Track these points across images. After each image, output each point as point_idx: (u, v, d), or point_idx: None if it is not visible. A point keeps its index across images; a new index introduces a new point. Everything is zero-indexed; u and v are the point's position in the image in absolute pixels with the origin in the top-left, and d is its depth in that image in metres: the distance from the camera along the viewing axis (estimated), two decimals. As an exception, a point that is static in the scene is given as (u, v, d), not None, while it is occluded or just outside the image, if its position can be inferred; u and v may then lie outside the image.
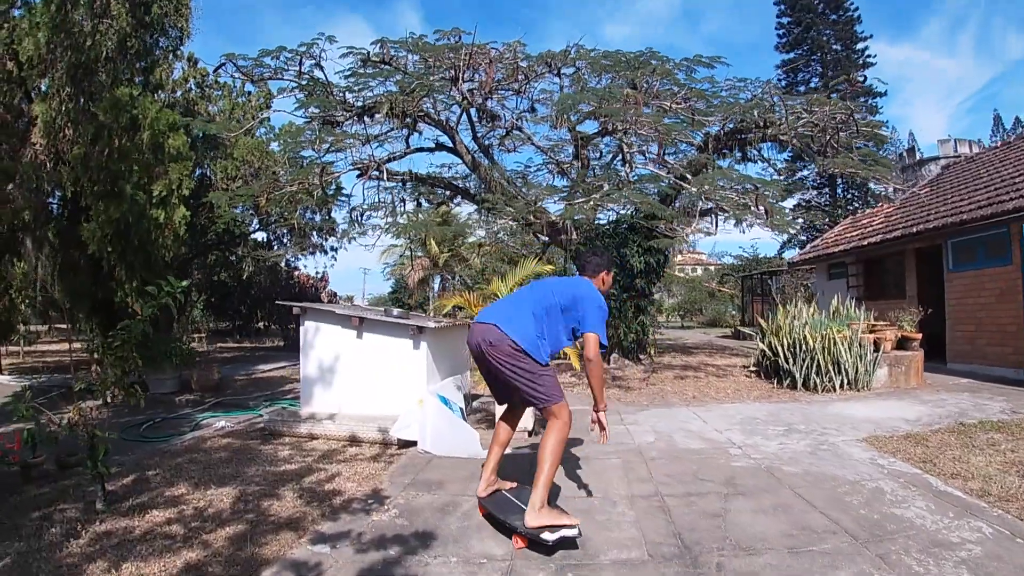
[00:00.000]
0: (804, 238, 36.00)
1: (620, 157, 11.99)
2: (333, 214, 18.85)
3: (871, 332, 10.07)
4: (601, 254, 4.59)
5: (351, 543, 3.72)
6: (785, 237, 37.17)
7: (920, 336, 10.56)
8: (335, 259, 27.25)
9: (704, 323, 36.20)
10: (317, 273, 27.99)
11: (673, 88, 11.00)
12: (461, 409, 6.68)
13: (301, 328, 6.85)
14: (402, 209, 13.63)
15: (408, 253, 32.23)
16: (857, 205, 31.69)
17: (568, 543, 3.56)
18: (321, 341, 6.77)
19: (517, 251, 19.52)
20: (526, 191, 12.84)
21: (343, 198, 15.05)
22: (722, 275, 40.72)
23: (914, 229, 12.95)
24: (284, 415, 6.92)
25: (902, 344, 10.42)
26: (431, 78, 11.02)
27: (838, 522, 4.01)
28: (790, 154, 14.44)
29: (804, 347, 9.66)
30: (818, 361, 9.42)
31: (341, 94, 11.85)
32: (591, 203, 10.16)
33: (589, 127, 12.61)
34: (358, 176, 12.32)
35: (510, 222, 12.45)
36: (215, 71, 12.80)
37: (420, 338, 6.45)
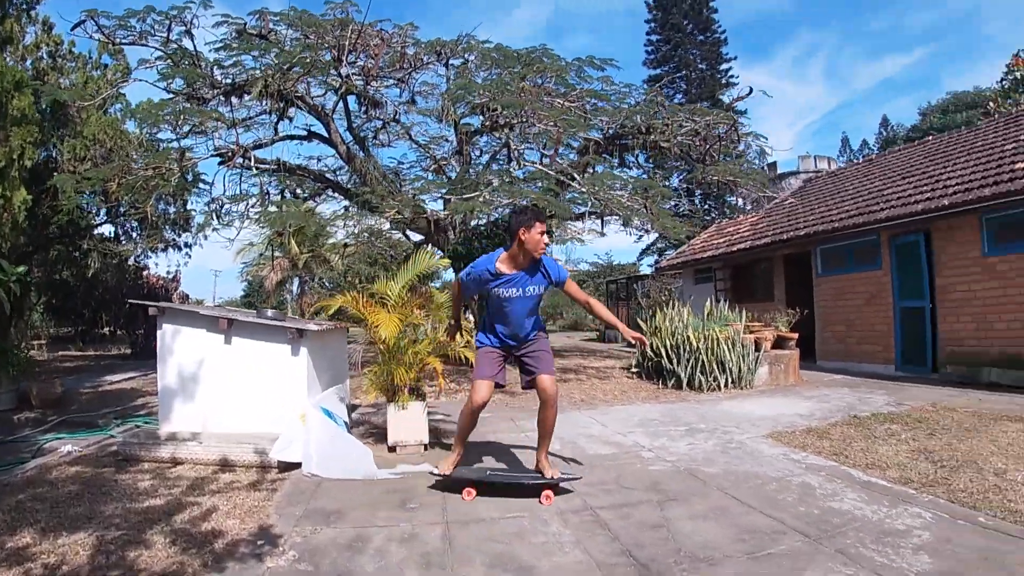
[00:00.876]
0: (661, 246, 37.80)
1: (507, 154, 11.54)
2: (190, 205, 17.19)
3: (750, 332, 10.38)
4: (515, 213, 4.48)
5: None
6: (643, 245, 38.90)
7: (796, 336, 11.13)
8: (189, 257, 24.85)
9: (565, 327, 36.99)
10: (168, 273, 25.02)
11: (560, 88, 10.80)
12: (346, 423, 6.01)
13: (158, 332, 5.67)
14: (268, 201, 12.38)
15: (267, 252, 30.13)
16: (715, 215, 33.45)
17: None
18: (182, 347, 5.69)
19: (384, 252, 18.63)
20: (406, 187, 12.11)
21: (203, 186, 13.57)
22: (579, 281, 42.08)
23: (784, 236, 13.79)
24: (140, 435, 5.76)
25: (779, 343, 10.86)
26: (312, 55, 10.07)
27: (783, 521, 3.85)
28: (660, 162, 14.69)
29: (688, 348, 9.75)
30: (703, 361, 9.56)
31: (210, 68, 10.64)
32: (482, 197, 9.64)
33: (472, 122, 12.14)
34: (221, 163, 11.09)
35: (384, 220, 11.63)
36: (73, 28, 10.91)
37: (300, 343, 5.59)
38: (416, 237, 13.98)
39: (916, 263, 10.81)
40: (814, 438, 6.11)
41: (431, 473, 4.79)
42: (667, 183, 11.71)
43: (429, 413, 6.15)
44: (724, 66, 38.75)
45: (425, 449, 5.85)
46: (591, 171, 10.87)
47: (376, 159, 12.72)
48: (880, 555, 3.30)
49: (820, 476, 4.81)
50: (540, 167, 10.78)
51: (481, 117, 10.92)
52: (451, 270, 12.27)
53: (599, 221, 11.32)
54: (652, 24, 40.21)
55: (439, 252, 12.54)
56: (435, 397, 8.74)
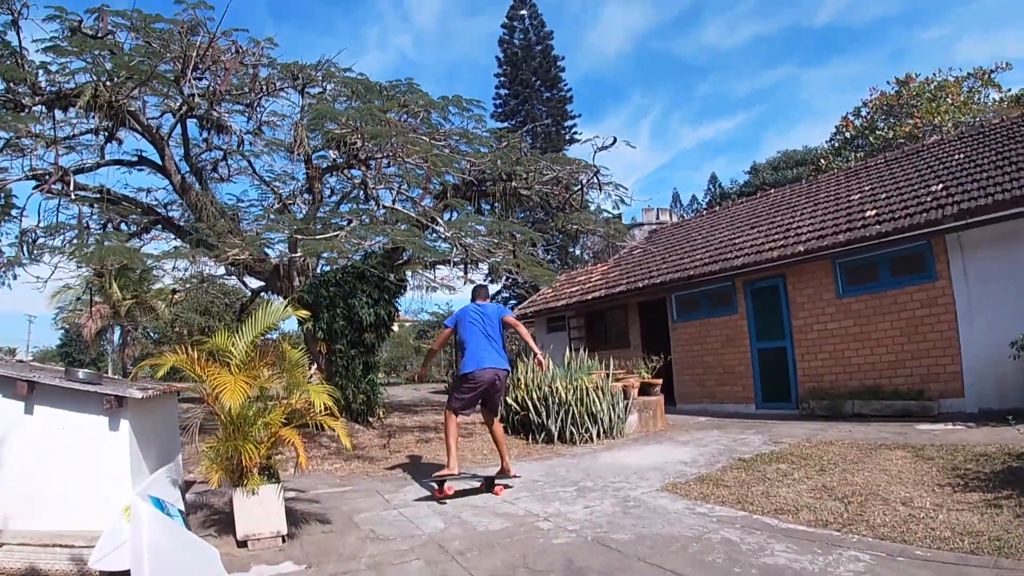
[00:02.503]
0: (507, 295, 38.07)
1: (363, 194, 10.63)
2: None
3: (616, 381, 10.23)
4: (481, 287, 7.34)
5: None
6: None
7: (660, 381, 11.16)
8: None
9: (409, 379, 35.96)
10: None
11: (424, 128, 10.17)
12: (182, 512, 4.84)
13: None
14: (88, 235, 10.48)
15: (85, 296, 26.61)
16: (558, 264, 34.12)
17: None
18: None
19: (216, 300, 16.98)
20: (248, 225, 10.84)
21: (13, 214, 11.27)
22: (419, 331, 41.79)
23: (640, 284, 14.06)
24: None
25: (644, 390, 10.81)
26: (152, 64, 8.68)
27: None
28: (512, 211, 14.50)
29: (557, 399, 9.38)
30: (573, 413, 9.22)
31: (35, 71, 8.97)
32: (341, 235, 8.73)
33: (325, 156, 11.20)
34: (36, 187, 9.33)
35: (220, 263, 10.30)
36: None
37: (120, 414, 4.28)
38: (255, 284, 12.65)
39: (774, 306, 11.36)
40: (711, 486, 5.86)
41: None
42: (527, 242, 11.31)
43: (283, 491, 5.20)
44: (569, 122, 40.15)
45: (283, 541, 4.77)
46: (450, 216, 10.35)
47: (213, 194, 11.37)
48: None
49: (737, 529, 4.49)
50: (399, 209, 10.08)
51: (336, 152, 10.10)
52: (294, 320, 11.24)
53: (463, 268, 10.72)
54: (502, 78, 41.22)
55: (278, 299, 11.44)
56: (290, 472, 7.72)
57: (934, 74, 24.07)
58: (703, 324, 12.83)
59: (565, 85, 40.73)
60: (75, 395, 4.29)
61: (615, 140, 10.24)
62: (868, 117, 25.90)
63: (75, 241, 10.14)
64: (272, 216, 10.88)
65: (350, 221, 9.28)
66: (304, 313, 6.28)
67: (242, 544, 4.63)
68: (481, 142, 10.58)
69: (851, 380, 10.02)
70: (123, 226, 12.05)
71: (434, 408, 14.99)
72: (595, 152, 10.33)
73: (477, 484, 6.38)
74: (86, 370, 4.75)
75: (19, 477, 4.19)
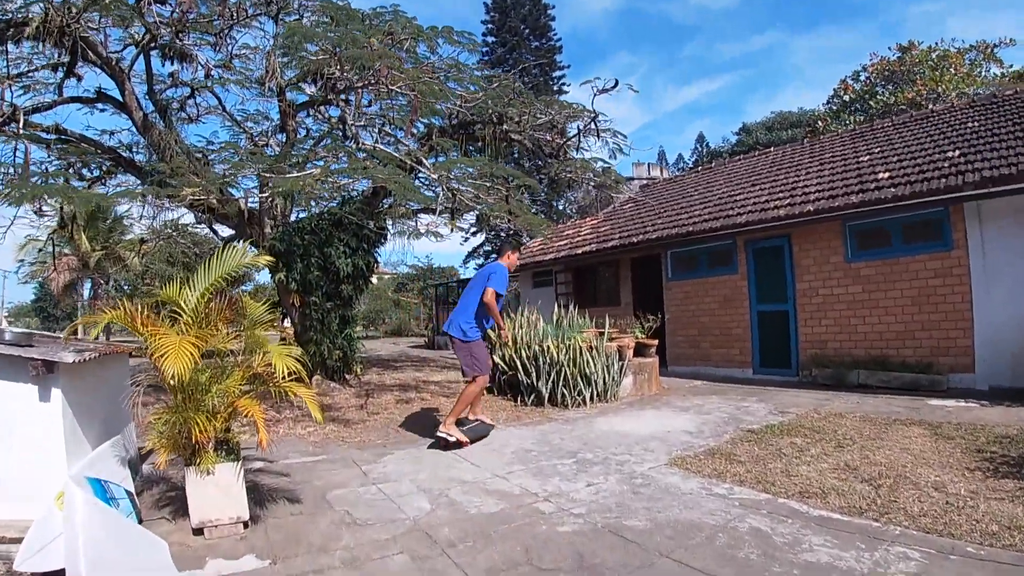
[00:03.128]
0: (488, 249, 37.52)
1: (341, 132, 9.75)
2: None
3: (611, 340, 9.73)
4: (505, 240, 7.31)
5: None
6: (470, 247, 38.49)
7: (656, 343, 10.71)
8: None
9: (389, 332, 35.60)
10: None
11: (410, 64, 9.27)
12: (130, 494, 4.24)
13: None
14: (47, 179, 9.55)
15: (49, 247, 25.49)
16: (543, 217, 33.52)
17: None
18: None
19: (187, 250, 16.16)
20: (216, 167, 9.90)
21: None
22: (399, 284, 41.41)
23: (634, 239, 13.51)
24: None
25: (639, 351, 10.34)
26: None
27: None
28: (505, 157, 13.69)
29: (548, 360, 8.88)
30: (565, 374, 8.73)
31: None
32: (315, 174, 7.90)
33: (301, 95, 10.33)
34: None
35: (182, 205, 9.42)
36: None
37: (51, 382, 3.70)
38: (227, 232, 11.84)
39: (777, 267, 10.90)
40: (723, 462, 5.41)
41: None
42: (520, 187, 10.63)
43: (246, 463, 4.61)
44: (557, 73, 39.28)
45: (245, 527, 4.18)
46: (436, 160, 9.65)
47: (179, 133, 10.41)
48: None
49: (764, 516, 4.04)
50: (381, 148, 9.31)
51: (314, 87, 9.27)
52: (267, 271, 10.55)
53: (449, 214, 10.02)
54: (490, 25, 40.07)
55: (252, 249, 10.71)
56: (250, 434, 7.16)
57: (936, 43, 23.60)
58: (700, 283, 12.37)
59: (555, 34, 40.05)
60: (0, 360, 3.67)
61: (616, 83, 9.50)
62: (867, 82, 25.36)
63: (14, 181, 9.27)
64: (238, 156, 10.01)
65: (325, 159, 8.51)
66: (267, 259, 5.52)
67: (198, 532, 4.04)
68: (472, 80, 9.82)
69: (856, 349, 9.64)
70: (84, 171, 11.23)
71: (414, 364, 14.54)
72: (595, 95, 9.54)
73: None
74: (14, 329, 4.08)
75: None
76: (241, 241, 10.92)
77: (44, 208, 10.49)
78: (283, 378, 4.27)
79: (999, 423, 6.38)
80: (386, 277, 49.09)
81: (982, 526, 3.66)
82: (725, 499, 4.45)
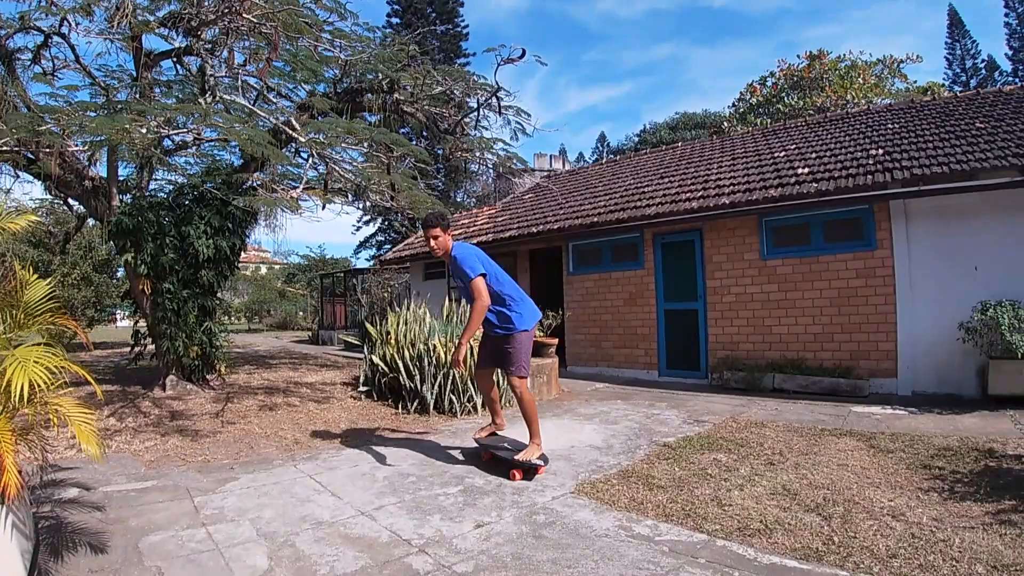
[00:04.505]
0: (381, 239, 36.25)
1: (201, 85, 8.23)
2: None
3: (503, 339, 8.82)
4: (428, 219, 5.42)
5: None
6: (362, 237, 37.20)
7: (555, 342, 9.89)
8: None
9: (274, 325, 33.77)
10: None
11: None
12: None
13: None
14: None
15: None
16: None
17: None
18: None
19: (53, 229, 14.33)
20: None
21: None
22: (288, 274, 39.86)
23: (534, 230, 12.69)
24: None
25: (537, 351, 9.43)
26: None
27: None
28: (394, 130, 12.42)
29: (434, 360, 7.90)
30: (454, 377, 7.79)
31: None
32: (153, 124, 6.43)
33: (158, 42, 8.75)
34: None
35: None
36: None
37: None
38: (78, 207, 10.15)
39: (687, 263, 10.34)
40: (642, 488, 4.52)
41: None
42: (403, 157, 9.48)
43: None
44: (462, 60, 38.32)
45: None
46: (315, 120, 8.38)
47: (22, 83, 8.63)
48: None
49: (704, 569, 3.16)
50: (245, 104, 7.96)
51: (175, 32, 7.79)
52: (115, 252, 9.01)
53: (323, 186, 8.73)
54: (394, 6, 39.00)
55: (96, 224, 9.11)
56: (76, 450, 5.79)
57: (845, 54, 24.10)
58: (604, 278, 11.67)
59: (462, 20, 39.47)
60: None
61: (524, 52, 8.54)
62: (775, 86, 25.68)
63: None
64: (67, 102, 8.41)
65: (166, 115, 7.05)
66: (29, 219, 3.96)
67: None
68: (360, 40, 8.66)
69: (771, 351, 9.13)
70: None
71: (292, 361, 13.12)
72: (498, 66, 8.51)
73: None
74: None
75: None
76: (92, 222, 9.40)
77: None
78: (38, 391, 2.97)
79: (935, 433, 5.96)
80: (275, 267, 46.89)
81: (964, 567, 3.05)
82: (651, 542, 3.53)
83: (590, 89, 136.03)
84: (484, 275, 5.08)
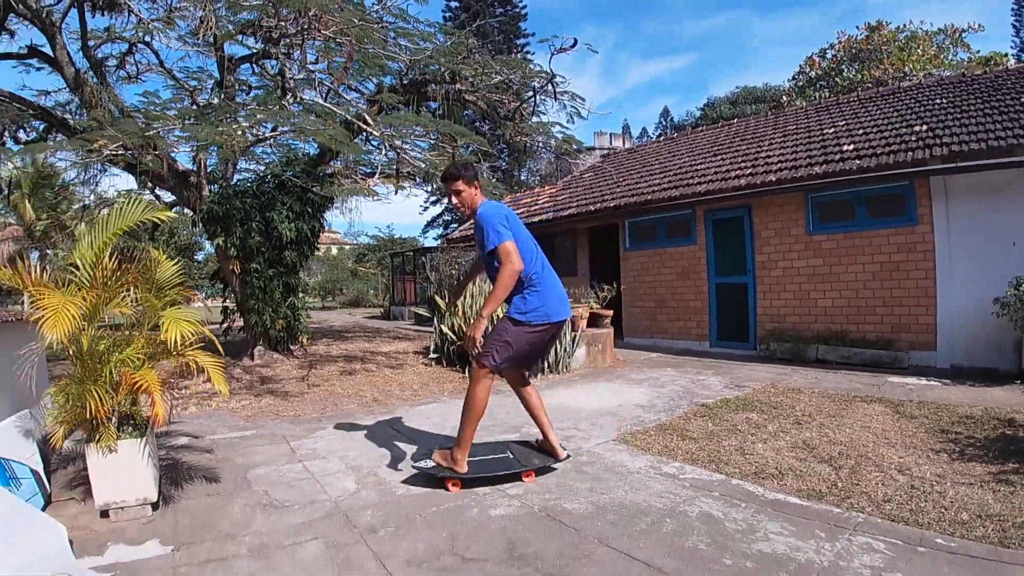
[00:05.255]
0: (448, 218, 37.00)
1: (281, 87, 9.06)
2: None
3: (564, 310, 9.41)
4: (454, 171, 4.34)
5: None
6: (429, 217, 37.98)
7: (611, 313, 10.44)
8: None
9: (346, 303, 35.06)
10: None
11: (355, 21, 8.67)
12: (36, 473, 3.81)
13: None
14: None
15: None
16: (503, 188, 33.11)
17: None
18: None
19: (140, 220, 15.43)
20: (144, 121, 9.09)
21: None
22: (359, 254, 40.93)
23: (591, 208, 13.18)
24: None
25: (593, 321, 10.03)
26: None
27: None
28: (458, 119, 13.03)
29: (498, 328, 8.53)
30: (516, 343, 8.36)
31: None
32: (247, 126, 7.28)
33: (239, 49, 9.63)
34: None
35: (109, 162, 8.74)
36: None
37: None
38: (168, 196, 11.16)
39: (737, 239, 10.63)
40: (675, 438, 5.09)
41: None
42: (467, 145, 10.06)
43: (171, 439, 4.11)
44: (521, 41, 38.18)
45: (154, 509, 3.77)
46: (385, 114, 9.09)
47: (113, 89, 9.67)
48: None
49: (716, 500, 3.71)
50: (323, 103, 8.72)
51: (253, 39, 8.61)
52: (206, 238, 9.92)
53: (395, 174, 9.47)
54: (453, -10, 38.96)
55: (190, 213, 10.08)
56: (181, 408, 6.67)
57: (905, 24, 23.46)
58: (658, 254, 12.07)
59: (520, 1, 38.89)
60: None
61: (575, 42, 8.99)
62: (834, 59, 25.22)
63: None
64: (164, 107, 9.34)
65: (253, 115, 7.84)
66: (165, 214, 4.64)
67: (104, 514, 3.64)
68: (422, 36, 9.26)
69: (816, 323, 9.43)
70: (20, 133, 10.51)
71: (366, 335, 14.05)
72: (552, 55, 9.00)
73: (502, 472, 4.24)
74: None
75: None
76: (185, 210, 10.37)
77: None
78: (182, 345, 3.73)
79: (962, 403, 6.13)
80: (346, 248, 48.31)
81: (951, 514, 3.38)
82: (675, 479, 4.10)
83: (652, 61, 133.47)
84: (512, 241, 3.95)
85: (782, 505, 3.60)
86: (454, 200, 4.24)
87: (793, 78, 27.92)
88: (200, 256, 32.80)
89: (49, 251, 27.85)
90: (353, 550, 3.17)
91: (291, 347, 10.06)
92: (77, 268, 3.92)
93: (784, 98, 25.83)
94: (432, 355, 9.79)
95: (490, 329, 4.18)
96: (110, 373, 3.66)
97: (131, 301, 3.97)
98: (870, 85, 20.57)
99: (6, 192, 21.47)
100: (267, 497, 4.01)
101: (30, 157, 9.87)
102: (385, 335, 13.97)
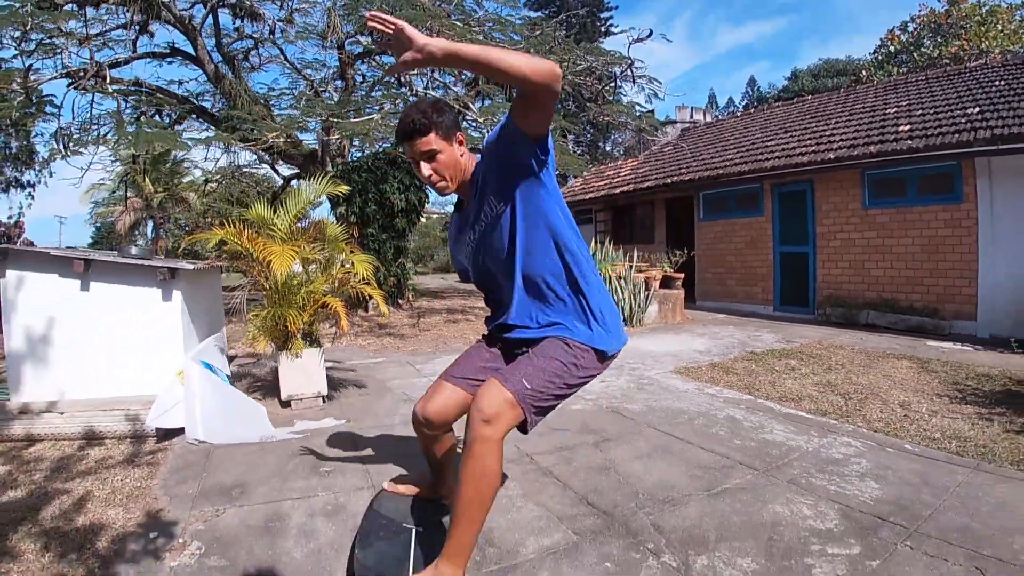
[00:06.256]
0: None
1: (396, 79, 10.59)
2: (33, 136, 14.31)
3: (639, 272, 10.51)
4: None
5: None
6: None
7: (682, 276, 11.39)
8: (32, 198, 21.39)
9: (437, 268, 36.66)
10: (9, 218, 21.56)
11: (457, 15, 9.95)
12: (228, 377, 5.28)
13: (1, 282, 4.54)
14: (125, 127, 10.59)
15: (119, 191, 27.20)
16: (588, 159, 33.81)
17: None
18: (31, 298, 4.54)
19: (247, 190, 17.33)
20: (280, 112, 10.86)
21: (49, 113, 11.10)
22: (445, 223, 42.26)
23: (668, 180, 14.08)
24: (-16, 411, 4.63)
25: (666, 283, 11.10)
26: None
27: (726, 456, 3.81)
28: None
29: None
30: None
31: None
32: (376, 119, 8.83)
33: (356, 46, 11.12)
34: (70, 85, 9.50)
35: (256, 150, 10.53)
36: None
37: (172, 285, 4.67)
38: (286, 172, 12.88)
39: (800, 211, 11.38)
40: (721, 373, 6.22)
41: None
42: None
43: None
44: (605, 14, 38.30)
45: (324, 401, 5.28)
46: (482, 103, 10.38)
47: (247, 82, 11.38)
48: (830, 484, 3.36)
49: (741, 409, 4.84)
50: (433, 94, 10.14)
51: (370, 37, 10.05)
52: (328, 206, 11.49)
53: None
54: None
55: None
56: (329, 342, 8.25)
57: (986, -2, 22.83)
58: (729, 224, 12.93)
59: (604, -26, 38.79)
60: (129, 270, 4.62)
61: (651, 32, 10.09)
62: (915, 33, 24.84)
63: (112, 134, 10.34)
64: (305, 102, 10.94)
65: (382, 107, 9.31)
66: (344, 188, 6.39)
67: (285, 404, 5.13)
68: (515, 29, 10.43)
69: (868, 291, 10.18)
70: (157, 117, 12.21)
71: (461, 294, 15.50)
72: (630, 44, 10.15)
73: None
74: (137, 247, 5.08)
75: (77, 350, 4.57)
76: (302, 180, 11.96)
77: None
78: (359, 281, 5.29)
79: (985, 364, 6.69)
80: (434, 216, 49.95)
81: (927, 433, 4.21)
82: (713, 397, 5.27)
83: (742, 26, 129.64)
84: None
85: (792, 416, 4.68)
86: (425, 171, 2.28)
87: (874, 51, 27.58)
88: (302, 223, 34.74)
89: (163, 220, 30.43)
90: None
91: (399, 301, 11.56)
92: (275, 228, 5.36)
93: (864, 72, 25.62)
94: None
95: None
96: (302, 300, 5.14)
97: (309, 250, 5.42)
98: (947, 61, 20.41)
99: (132, 169, 23.73)
100: (406, 396, 5.47)
101: (204, 150, 11.56)
102: (478, 295, 15.36)
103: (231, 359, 6.73)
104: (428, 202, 11.93)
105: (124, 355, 4.60)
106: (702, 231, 13.63)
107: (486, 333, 2.70)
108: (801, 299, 11.42)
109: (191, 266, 4.79)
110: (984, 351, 7.72)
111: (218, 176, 17.91)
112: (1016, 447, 3.90)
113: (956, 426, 4.40)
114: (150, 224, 31.04)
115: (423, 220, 47.85)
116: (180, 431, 4.28)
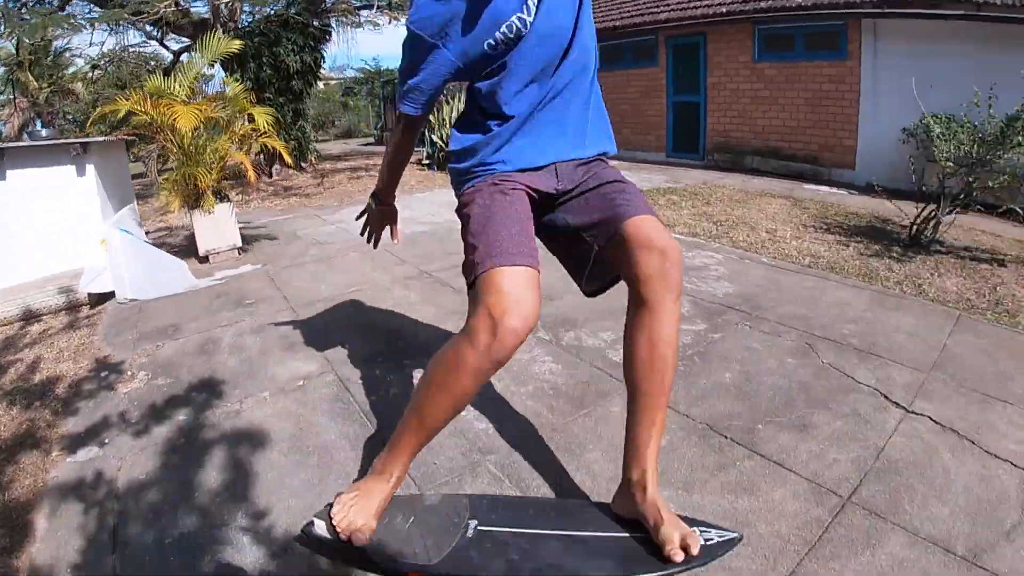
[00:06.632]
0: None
1: None
2: None
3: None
4: None
5: (118, 430, 2.57)
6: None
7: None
8: None
9: (339, 135, 35.68)
10: None
11: None
12: (147, 242, 5.43)
13: None
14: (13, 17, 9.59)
15: (6, 92, 24.80)
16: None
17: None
18: None
19: (136, 71, 16.31)
20: None
21: None
22: (346, 88, 40.98)
23: (563, 31, 13.75)
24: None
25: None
26: None
27: None
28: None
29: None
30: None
31: None
32: None
33: None
34: None
35: (147, 22, 9.74)
36: None
37: (86, 160, 4.76)
38: (176, 47, 12.15)
39: (692, 63, 11.62)
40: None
41: None
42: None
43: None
44: None
45: (239, 253, 5.51)
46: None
47: None
48: (692, 284, 3.91)
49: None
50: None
51: None
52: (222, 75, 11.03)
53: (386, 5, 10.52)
54: None
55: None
56: (239, 203, 8.27)
57: None
58: (624, 75, 13.12)
59: None
60: (41, 152, 4.66)
61: None
62: None
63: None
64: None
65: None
66: (237, 43, 6.25)
67: (203, 260, 5.36)
68: None
69: (755, 139, 10.67)
70: (38, 5, 11.05)
71: (364, 155, 15.50)
72: None
73: None
74: (48, 129, 5.09)
75: (3, 238, 4.53)
76: (193, 52, 11.33)
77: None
78: (262, 135, 5.50)
79: (855, 205, 7.07)
80: (332, 83, 47.82)
81: (784, 251, 4.73)
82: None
83: None
84: None
85: (669, 240, 5.15)
86: None
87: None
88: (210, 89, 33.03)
89: (51, 116, 28.21)
90: (381, 254, 4.89)
91: (302, 165, 11.47)
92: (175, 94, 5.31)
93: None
94: (425, 161, 11.44)
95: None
96: (210, 157, 5.27)
97: (211, 108, 5.40)
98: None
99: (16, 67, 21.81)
100: (314, 240, 5.80)
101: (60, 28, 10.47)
102: (380, 156, 15.29)
103: (146, 234, 6.73)
104: (324, 63, 11.63)
105: (47, 235, 4.67)
106: (599, 82, 13.65)
107: (496, 181, 1.73)
108: (692, 146, 11.88)
109: (102, 138, 5.05)
110: (858, 196, 8.03)
111: (104, 60, 16.71)
112: (865, 265, 4.44)
113: (813, 248, 4.87)
114: (39, 123, 28.76)
115: (321, 86, 45.95)
116: (111, 295, 4.43)
